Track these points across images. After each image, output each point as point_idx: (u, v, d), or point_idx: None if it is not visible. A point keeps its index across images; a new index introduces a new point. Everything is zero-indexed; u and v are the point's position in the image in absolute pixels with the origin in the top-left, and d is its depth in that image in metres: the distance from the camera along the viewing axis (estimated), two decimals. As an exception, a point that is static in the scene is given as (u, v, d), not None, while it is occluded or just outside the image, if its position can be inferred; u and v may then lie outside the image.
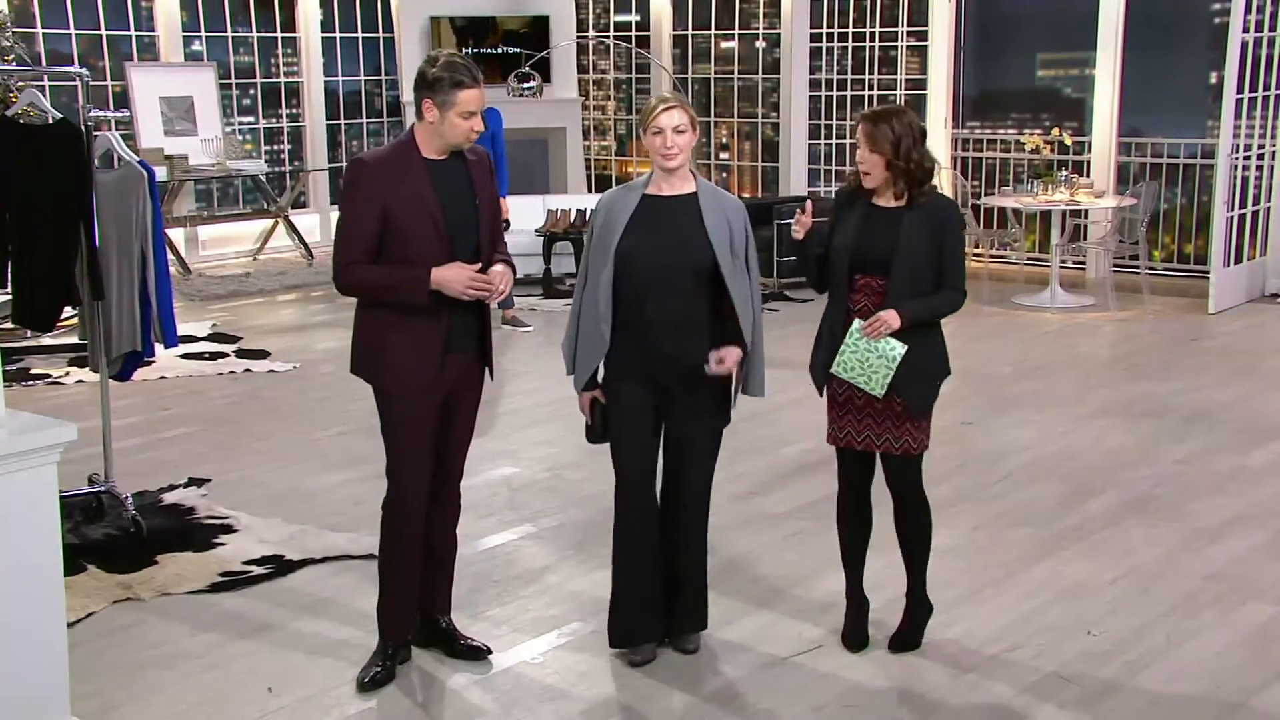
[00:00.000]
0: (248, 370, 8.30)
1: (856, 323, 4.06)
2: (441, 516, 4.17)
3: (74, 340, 7.42)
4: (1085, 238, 10.79)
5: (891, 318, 3.98)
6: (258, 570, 4.99)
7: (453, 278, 3.83)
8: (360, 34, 13.28)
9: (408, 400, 3.95)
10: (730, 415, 4.23)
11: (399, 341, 3.92)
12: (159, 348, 5.49)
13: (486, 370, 4.15)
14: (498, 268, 3.94)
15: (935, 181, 4.13)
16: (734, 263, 4.06)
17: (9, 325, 7.55)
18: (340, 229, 3.94)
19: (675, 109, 4.01)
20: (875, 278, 4.06)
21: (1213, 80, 10.80)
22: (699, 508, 4.24)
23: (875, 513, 4.36)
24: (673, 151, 4.01)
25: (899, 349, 4.01)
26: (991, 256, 11.14)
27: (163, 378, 7.98)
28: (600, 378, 4.20)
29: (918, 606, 4.32)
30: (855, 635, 4.37)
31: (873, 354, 4.04)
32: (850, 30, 12.12)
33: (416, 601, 4.19)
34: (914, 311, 4.01)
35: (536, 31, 12.79)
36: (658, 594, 4.27)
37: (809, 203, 4.17)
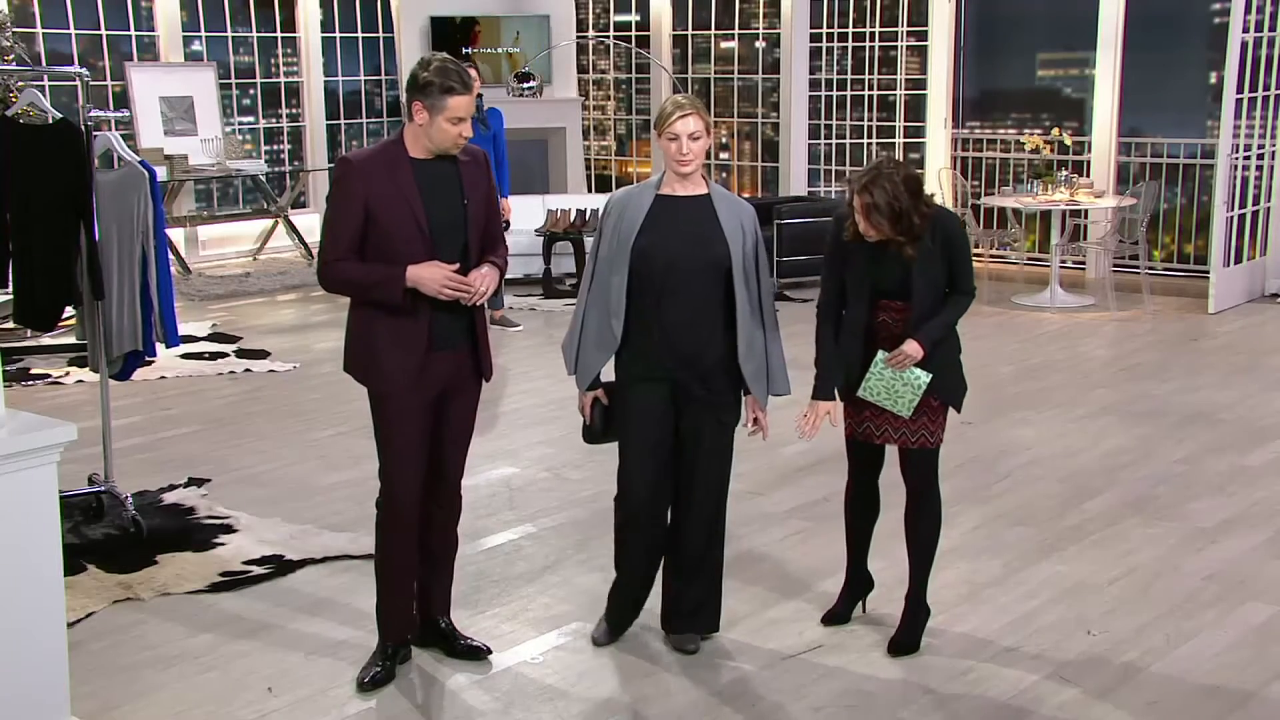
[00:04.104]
0: (248, 370, 8.31)
1: (880, 354, 4.12)
2: (441, 516, 4.17)
3: (74, 340, 7.42)
4: (1085, 238, 10.79)
5: (915, 350, 4.06)
6: (257, 570, 4.99)
7: (428, 276, 3.83)
8: (360, 34, 13.28)
9: (396, 398, 3.94)
10: (742, 412, 4.24)
11: (384, 339, 3.92)
12: (160, 347, 5.49)
13: (479, 373, 4.11)
14: (482, 269, 3.92)
15: (935, 191, 4.17)
16: (744, 265, 4.08)
17: (9, 325, 7.56)
18: (325, 226, 3.96)
19: (691, 116, 4.02)
20: (894, 300, 4.13)
21: (1213, 80, 10.80)
22: (711, 505, 4.23)
23: (882, 507, 4.43)
24: (688, 158, 4.03)
25: (924, 378, 4.09)
26: (991, 256, 11.14)
27: (163, 378, 7.98)
28: (608, 378, 4.20)
29: (917, 609, 4.33)
30: (839, 613, 4.48)
31: (898, 382, 4.11)
32: (850, 30, 12.12)
33: (415, 601, 4.19)
34: (934, 334, 4.08)
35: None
36: (643, 593, 4.36)
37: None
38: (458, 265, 3.88)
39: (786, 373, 4.23)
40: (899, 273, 4.08)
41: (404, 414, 3.95)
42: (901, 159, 4.18)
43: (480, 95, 8.89)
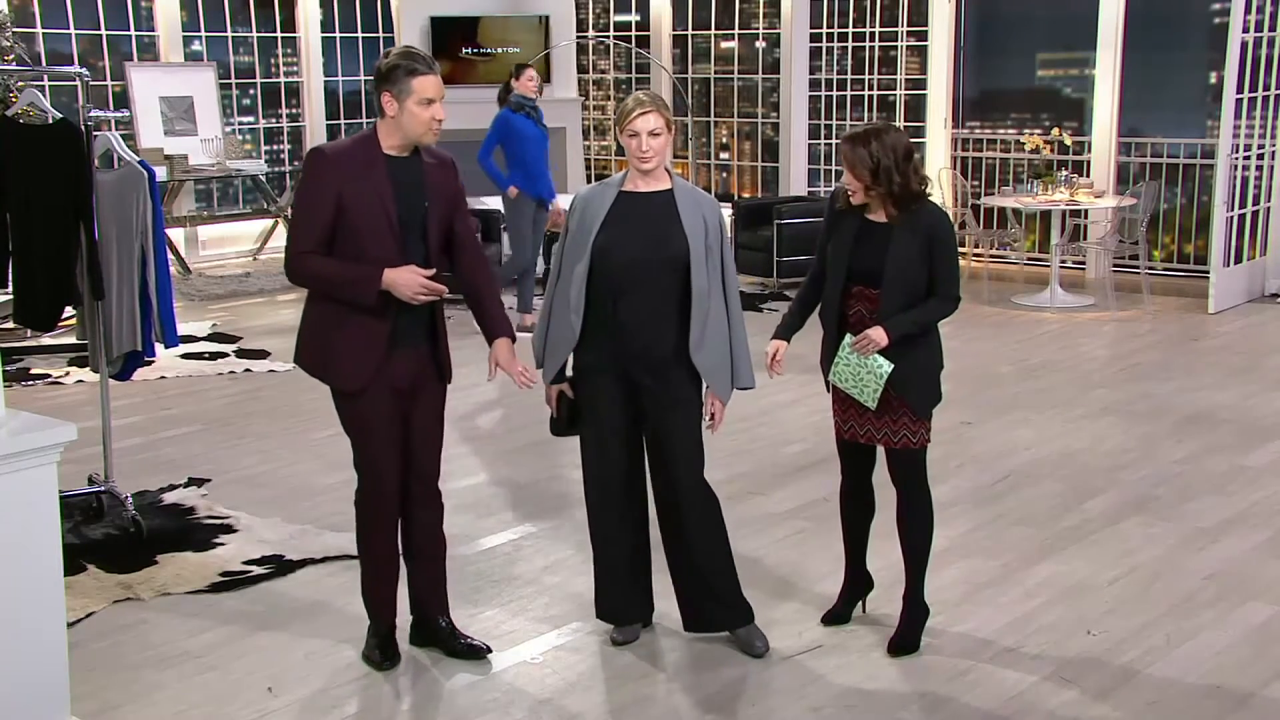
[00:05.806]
0: (248, 370, 8.31)
1: (848, 337, 4.12)
2: (425, 516, 4.19)
3: (74, 340, 7.43)
4: (1085, 238, 10.79)
5: (879, 336, 4.05)
6: (258, 570, 4.99)
7: (404, 281, 3.81)
8: (360, 34, 13.27)
9: (358, 395, 3.94)
10: (703, 409, 4.23)
11: (343, 336, 3.91)
12: (159, 348, 5.49)
13: (441, 372, 4.11)
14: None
15: (931, 190, 4.15)
16: (707, 259, 4.08)
17: (9, 325, 7.56)
18: (294, 218, 3.94)
19: (651, 113, 4.03)
20: (868, 287, 4.12)
21: (1213, 80, 10.80)
22: (697, 504, 4.21)
23: (878, 506, 4.43)
24: (648, 155, 4.04)
25: (886, 367, 4.07)
26: (991, 256, 11.14)
27: (163, 378, 7.98)
28: (570, 370, 4.22)
29: (914, 609, 4.33)
30: (838, 612, 4.48)
31: (862, 369, 4.11)
32: (850, 30, 12.11)
33: (395, 589, 4.24)
34: (903, 327, 4.06)
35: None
36: (633, 579, 4.35)
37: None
38: (434, 271, 3.89)
39: (751, 366, 4.22)
40: (877, 254, 4.08)
41: (371, 410, 3.96)
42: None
43: (535, 96, 9.12)
